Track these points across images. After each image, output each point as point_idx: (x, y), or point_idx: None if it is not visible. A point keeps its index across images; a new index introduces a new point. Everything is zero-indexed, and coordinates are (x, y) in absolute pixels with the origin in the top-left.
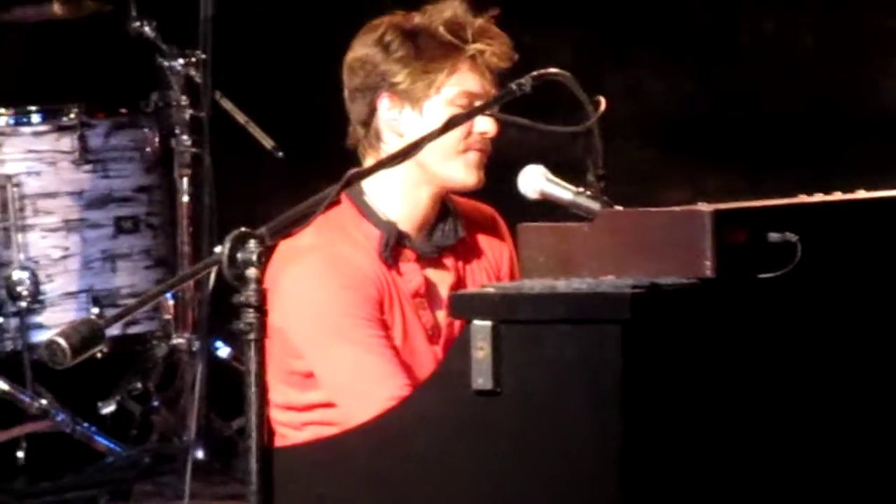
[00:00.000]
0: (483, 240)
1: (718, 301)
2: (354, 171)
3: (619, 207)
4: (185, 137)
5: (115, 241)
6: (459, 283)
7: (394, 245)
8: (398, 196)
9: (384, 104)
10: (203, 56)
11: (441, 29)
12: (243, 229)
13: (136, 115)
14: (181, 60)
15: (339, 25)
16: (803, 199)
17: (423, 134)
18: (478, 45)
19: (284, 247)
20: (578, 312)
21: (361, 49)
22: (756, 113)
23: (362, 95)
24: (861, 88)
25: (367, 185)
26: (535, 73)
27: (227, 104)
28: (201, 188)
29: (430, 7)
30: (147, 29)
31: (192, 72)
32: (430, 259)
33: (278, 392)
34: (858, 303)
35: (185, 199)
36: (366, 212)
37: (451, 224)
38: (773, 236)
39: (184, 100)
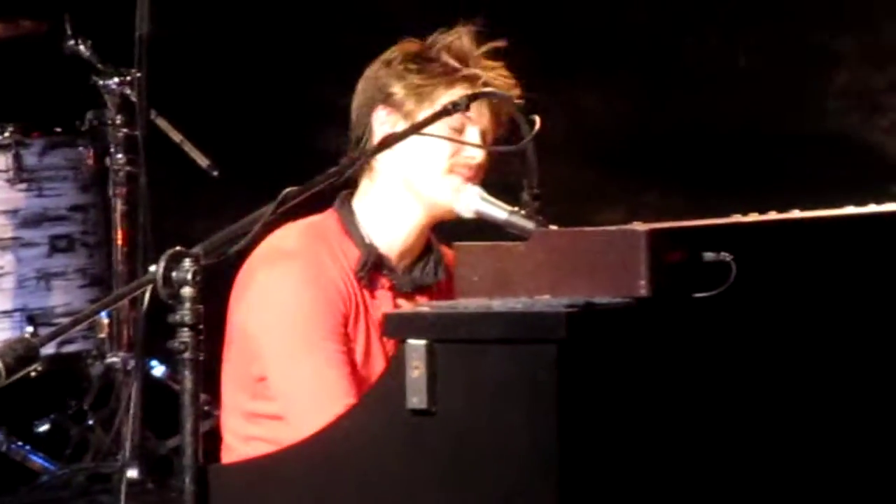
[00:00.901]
0: None
1: (654, 320)
2: (290, 189)
3: (555, 227)
4: (120, 156)
5: (50, 259)
6: None
7: (371, 269)
8: (385, 221)
9: (379, 116)
10: (138, 75)
11: (443, 50)
12: (178, 248)
13: (71, 134)
14: (116, 79)
15: (274, 45)
16: (738, 218)
17: (410, 151)
18: (476, 70)
19: (264, 248)
20: (514, 332)
21: (369, 71)
22: (694, 132)
23: (361, 114)
24: (800, 108)
25: (357, 204)
26: (470, 91)
27: (163, 123)
28: (136, 207)
29: (440, 33)
30: (82, 48)
31: (128, 90)
32: (405, 294)
33: (229, 393)
34: (794, 322)
35: (120, 218)
36: (350, 230)
37: (432, 265)
38: (708, 256)
39: (119, 119)
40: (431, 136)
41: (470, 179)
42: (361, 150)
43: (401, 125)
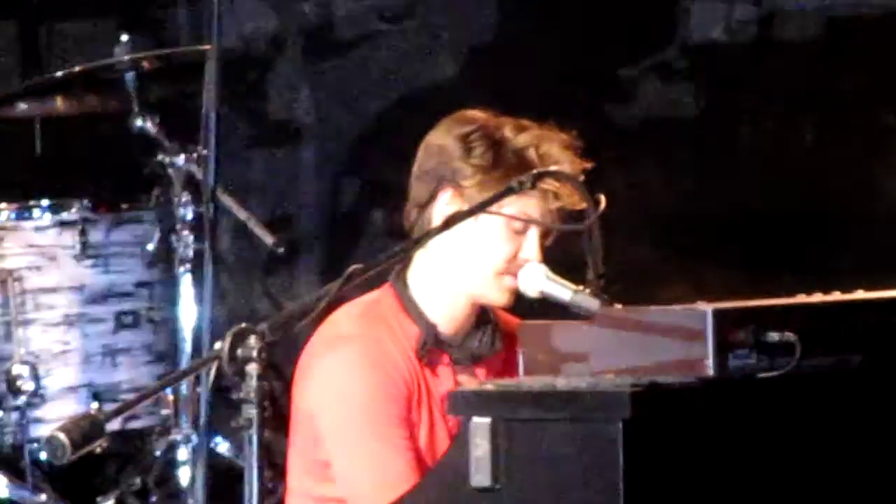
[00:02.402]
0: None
1: (719, 400)
2: (356, 266)
3: (619, 305)
4: (186, 233)
5: (116, 335)
6: None
7: (431, 345)
8: (439, 298)
9: (445, 196)
10: (205, 152)
11: (530, 154)
12: (244, 325)
13: (137, 210)
14: (183, 156)
15: (340, 119)
16: (803, 298)
17: (468, 239)
18: (551, 186)
19: (325, 332)
20: (578, 410)
21: (445, 138)
22: (756, 211)
23: (429, 179)
24: (861, 187)
25: (411, 281)
26: (536, 170)
27: (228, 200)
28: (202, 284)
29: (534, 129)
30: (149, 125)
31: (194, 168)
32: (464, 366)
33: (296, 479)
34: (858, 404)
35: (187, 294)
36: (409, 307)
37: (489, 335)
38: (773, 336)
39: (185, 196)
40: (499, 214)
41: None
42: (424, 228)
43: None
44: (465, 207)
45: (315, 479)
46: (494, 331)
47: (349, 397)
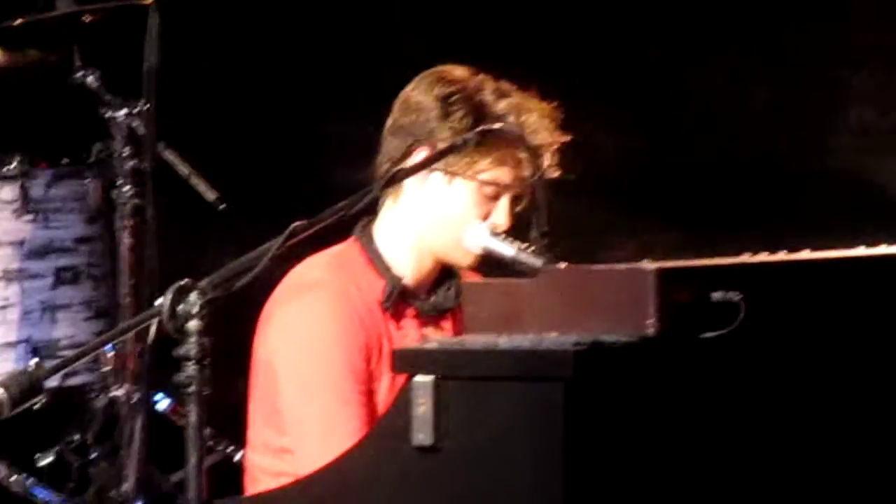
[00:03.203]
0: None
1: (661, 359)
2: (298, 223)
3: (563, 264)
4: (127, 188)
5: (56, 291)
6: None
7: (396, 298)
8: (405, 252)
9: (420, 156)
10: (146, 107)
11: (509, 121)
12: (185, 281)
13: (78, 165)
14: (124, 111)
15: (284, 77)
16: (748, 258)
17: (440, 200)
18: (535, 156)
19: (289, 281)
20: (520, 369)
21: (424, 96)
22: (704, 170)
23: (404, 135)
24: (809, 145)
25: (377, 234)
26: (480, 127)
27: (171, 156)
28: (143, 240)
29: (514, 95)
30: (91, 79)
31: (136, 122)
32: (430, 318)
33: (257, 430)
34: (801, 363)
35: (127, 250)
36: (374, 260)
37: (454, 288)
38: (717, 296)
39: (127, 151)
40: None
41: None
42: (381, 180)
43: (439, 174)
44: (439, 170)
45: (274, 430)
46: (459, 286)
47: (308, 345)
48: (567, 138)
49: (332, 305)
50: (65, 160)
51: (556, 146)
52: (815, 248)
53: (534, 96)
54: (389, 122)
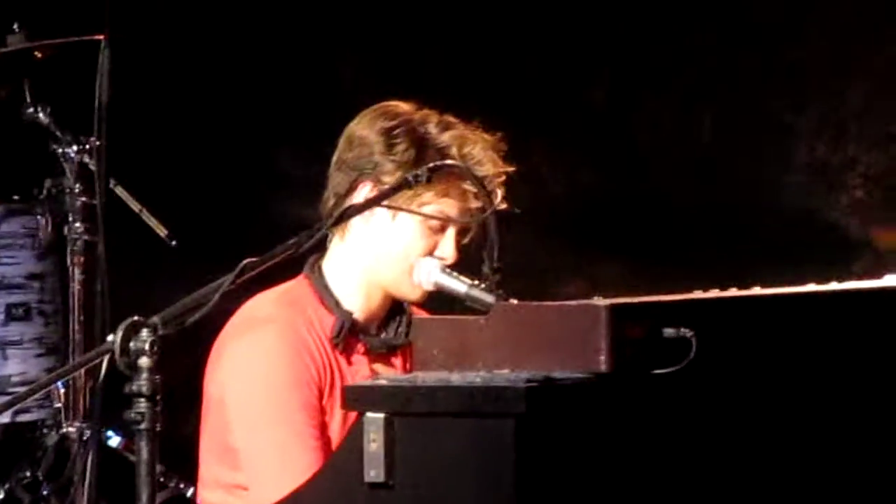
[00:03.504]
0: None
1: (613, 396)
2: (249, 260)
3: (515, 301)
4: (78, 225)
5: (6, 328)
6: None
7: (346, 333)
8: (354, 288)
9: (364, 191)
10: (97, 143)
11: (453, 154)
12: (136, 318)
13: (29, 201)
14: (75, 147)
15: (234, 114)
16: (699, 294)
17: (385, 235)
18: (480, 187)
19: (239, 317)
20: (472, 405)
21: (367, 130)
22: (654, 207)
23: (348, 171)
24: (759, 183)
25: (327, 270)
26: (431, 164)
27: (122, 192)
28: (94, 276)
29: (457, 127)
30: (41, 115)
31: (87, 158)
32: (380, 355)
33: (208, 468)
34: (754, 398)
35: (78, 286)
36: (324, 296)
37: (404, 325)
38: (669, 332)
39: (78, 187)
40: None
41: None
42: (330, 217)
43: (380, 208)
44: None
45: (226, 466)
46: (409, 322)
47: (258, 380)
48: (511, 169)
49: (282, 340)
50: (15, 196)
51: (500, 177)
52: (764, 285)
53: (477, 128)
54: (335, 157)
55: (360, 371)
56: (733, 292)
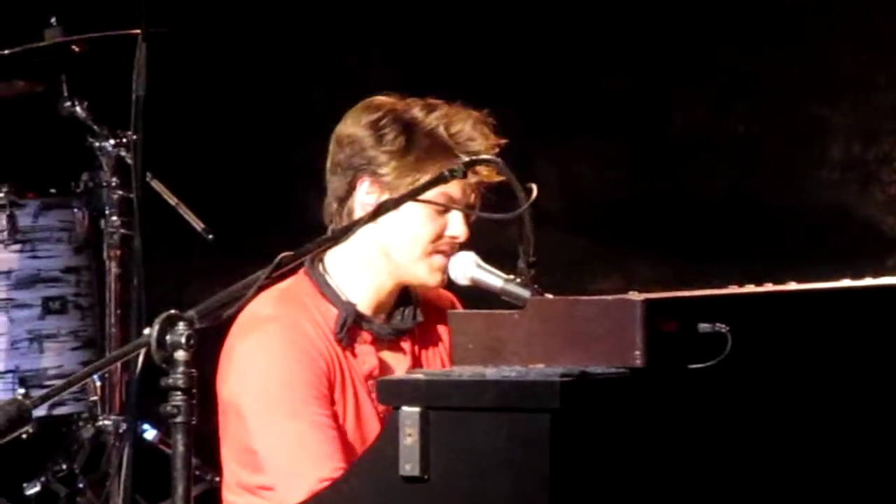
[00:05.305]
0: (441, 326)
1: (648, 391)
2: (285, 254)
3: (550, 295)
4: (114, 218)
5: (43, 321)
6: (415, 366)
7: (350, 326)
8: (361, 279)
9: (364, 187)
10: (134, 137)
11: (441, 133)
12: (172, 312)
13: (66, 195)
14: (112, 141)
15: (271, 108)
16: (734, 289)
17: (392, 225)
18: (470, 155)
19: (242, 318)
20: (507, 400)
21: (354, 127)
22: (688, 202)
23: (344, 172)
24: (794, 179)
25: (329, 264)
26: (467, 158)
27: (158, 185)
28: (130, 269)
29: (442, 107)
30: (78, 109)
31: (123, 152)
32: (387, 342)
33: (230, 471)
34: (789, 393)
35: (114, 280)
36: (325, 290)
37: (411, 309)
38: (704, 327)
39: (114, 181)
40: (429, 202)
41: (450, 256)
42: (346, 219)
43: (385, 195)
44: (386, 194)
45: (246, 468)
46: (416, 304)
47: (266, 379)
48: (503, 141)
49: (286, 336)
50: (52, 190)
51: (493, 149)
52: (799, 280)
53: (462, 106)
54: (328, 161)
55: (367, 361)
56: (769, 287)
